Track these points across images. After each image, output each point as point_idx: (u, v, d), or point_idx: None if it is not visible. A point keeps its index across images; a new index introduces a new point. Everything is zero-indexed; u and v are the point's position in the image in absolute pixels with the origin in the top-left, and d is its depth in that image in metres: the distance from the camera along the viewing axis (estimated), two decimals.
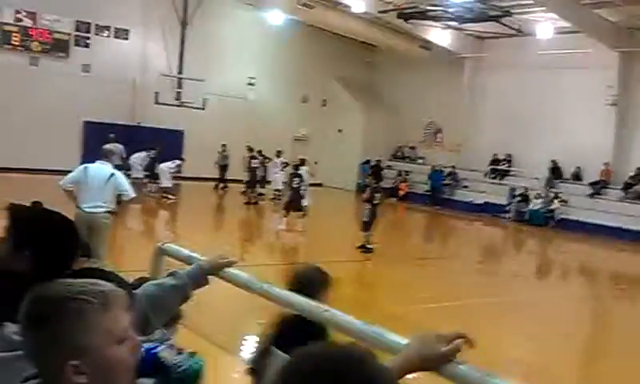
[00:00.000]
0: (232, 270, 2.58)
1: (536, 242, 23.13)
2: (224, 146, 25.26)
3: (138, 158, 21.84)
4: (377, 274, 12.71)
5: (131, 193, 9.01)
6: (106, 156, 9.26)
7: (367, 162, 30.52)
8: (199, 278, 2.50)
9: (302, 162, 19.09)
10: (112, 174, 8.85)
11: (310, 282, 3.11)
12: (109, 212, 8.81)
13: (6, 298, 1.70)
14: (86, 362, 1.36)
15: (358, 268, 13.62)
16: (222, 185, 25.24)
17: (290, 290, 2.62)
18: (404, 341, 1.74)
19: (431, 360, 1.60)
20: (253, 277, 2.53)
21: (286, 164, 23.15)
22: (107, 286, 1.46)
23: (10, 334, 1.71)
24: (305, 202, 18.72)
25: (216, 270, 2.54)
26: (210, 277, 2.55)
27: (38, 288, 1.44)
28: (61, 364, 1.35)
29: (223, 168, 25.26)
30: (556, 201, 24.49)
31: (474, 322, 9.81)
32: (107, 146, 9.45)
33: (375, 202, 14.72)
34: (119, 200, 8.98)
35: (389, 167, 30.74)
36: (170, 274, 2.49)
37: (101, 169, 8.91)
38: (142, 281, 2.69)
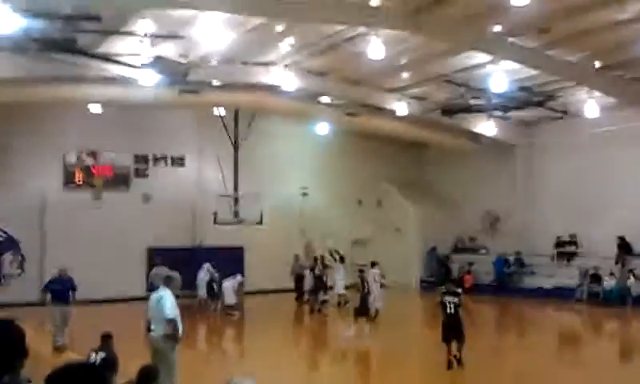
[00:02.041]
0: None
1: (616, 323, 22.04)
2: (297, 256, 25.63)
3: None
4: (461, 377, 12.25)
5: (167, 314, 8.95)
6: (165, 283, 9.52)
7: (434, 248, 30.53)
8: None
9: (373, 264, 19.16)
10: (160, 297, 9.17)
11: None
12: (164, 335, 8.97)
13: None
14: None
15: (439, 369, 13.13)
16: (298, 295, 25.16)
17: None
18: None
19: None
20: None
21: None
22: None
23: None
24: (378, 304, 18.67)
25: None
26: None
27: None
28: None
29: (299, 278, 25.20)
30: (632, 277, 23.52)
31: None
32: (161, 273, 9.87)
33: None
34: None
35: (447, 257, 30.33)
36: None
37: (156, 294, 9.40)
38: None
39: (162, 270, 17.63)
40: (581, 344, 18.29)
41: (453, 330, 12.24)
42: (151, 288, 16.83)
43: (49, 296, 15.03)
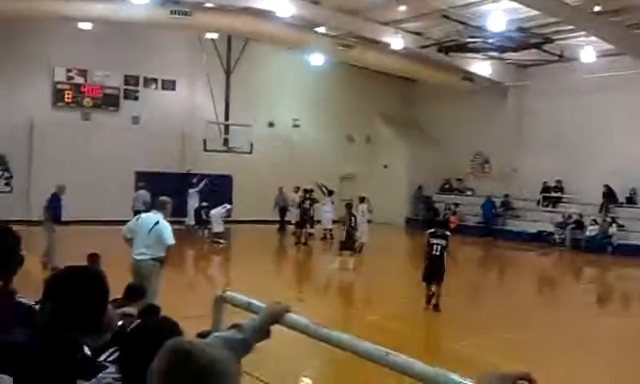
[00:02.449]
0: (291, 316, 2.63)
1: (595, 269, 22.47)
2: (281, 188, 25.65)
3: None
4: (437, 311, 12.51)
5: (168, 240, 9.02)
6: (155, 207, 9.53)
7: (420, 188, 30.97)
8: (262, 331, 2.54)
9: (362, 200, 19.29)
10: (157, 222, 9.06)
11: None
12: (154, 259, 8.99)
13: None
14: None
15: (417, 306, 13.43)
16: (280, 226, 25.68)
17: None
18: (468, 382, 1.75)
19: (275, 315, 1.89)
20: (312, 321, 2.57)
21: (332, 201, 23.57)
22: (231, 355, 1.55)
23: None
24: (364, 239, 18.89)
25: (276, 319, 2.58)
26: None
27: (178, 344, 1.52)
28: None
29: (283, 210, 25.65)
30: (613, 226, 23.84)
31: (543, 356, 9.60)
32: (160, 198, 9.69)
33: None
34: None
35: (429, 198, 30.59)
36: (234, 327, 2.53)
37: (149, 217, 9.25)
38: (203, 334, 2.75)
39: (144, 195, 17.72)
40: (560, 287, 18.65)
41: (435, 272, 12.18)
42: (136, 211, 16.91)
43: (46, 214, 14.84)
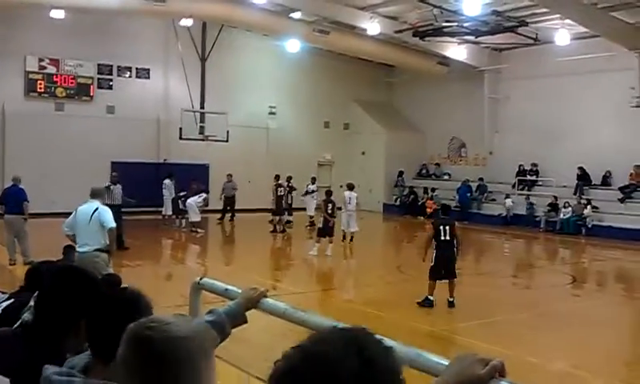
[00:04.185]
0: (268, 301, 2.62)
1: (570, 251, 22.75)
2: (230, 175, 24.99)
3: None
4: (415, 293, 12.60)
5: (110, 223, 8.78)
6: (92, 195, 9.17)
7: (401, 173, 31.14)
8: (237, 315, 2.53)
9: (351, 187, 19.16)
10: (96, 209, 8.79)
11: None
12: (99, 250, 8.74)
13: None
14: None
15: (398, 289, 13.52)
16: (229, 216, 24.84)
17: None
18: (444, 361, 1.75)
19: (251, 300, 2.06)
20: (289, 306, 2.56)
21: (313, 190, 23.51)
22: (207, 329, 1.51)
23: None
24: (353, 228, 18.79)
25: (252, 304, 2.58)
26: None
27: (139, 330, 1.47)
28: None
29: (230, 199, 24.81)
30: (588, 207, 24.15)
31: (517, 337, 9.72)
32: (94, 187, 9.46)
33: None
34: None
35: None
36: (209, 312, 2.53)
37: (87, 207, 8.91)
38: None
39: (117, 188, 17.44)
40: (534, 269, 18.85)
41: (447, 264, 11.18)
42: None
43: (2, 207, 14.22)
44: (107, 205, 9.23)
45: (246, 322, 2.58)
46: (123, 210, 16.86)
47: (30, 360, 2.11)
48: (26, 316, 2.43)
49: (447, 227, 11.41)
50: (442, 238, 11.31)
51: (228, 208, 24.86)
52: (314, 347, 1.19)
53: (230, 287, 2.85)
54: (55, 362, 1.87)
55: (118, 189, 17.20)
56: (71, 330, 2.22)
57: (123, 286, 2.53)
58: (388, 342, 1.36)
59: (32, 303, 2.48)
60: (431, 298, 11.24)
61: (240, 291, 2.69)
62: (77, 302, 2.20)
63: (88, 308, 2.00)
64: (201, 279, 3.05)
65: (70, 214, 9.21)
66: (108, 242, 8.86)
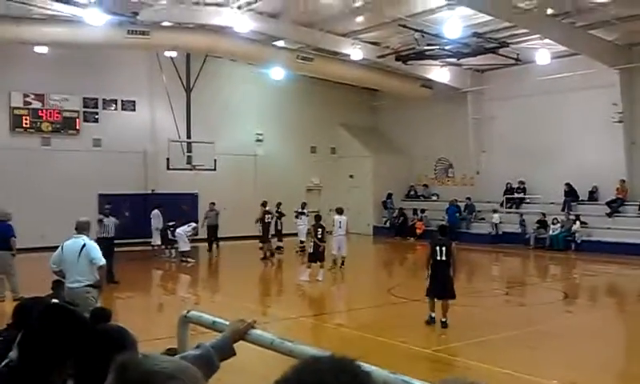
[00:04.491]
0: (256, 332, 2.63)
1: (561, 267, 22.82)
2: (212, 204, 24.73)
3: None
4: (407, 315, 12.56)
5: (100, 261, 8.76)
6: (77, 229, 9.08)
7: (390, 195, 31.11)
8: (225, 348, 2.52)
9: (340, 211, 19.14)
10: (83, 245, 8.73)
11: None
12: (90, 285, 8.67)
13: None
14: None
15: (391, 313, 13.48)
16: (215, 245, 24.49)
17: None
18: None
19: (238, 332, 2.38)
20: (276, 336, 2.56)
21: (303, 213, 23.46)
22: (194, 369, 1.48)
23: None
24: (343, 252, 18.78)
25: (239, 336, 2.57)
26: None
27: (128, 360, 1.44)
28: None
29: (214, 228, 24.41)
30: (577, 223, 24.28)
31: (511, 355, 9.72)
32: (80, 219, 9.33)
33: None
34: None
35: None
36: (197, 347, 2.52)
37: (74, 242, 8.84)
38: (169, 352, 2.73)
39: (111, 221, 17.27)
40: (526, 287, 18.88)
41: (443, 285, 11.33)
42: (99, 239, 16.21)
43: None
44: (100, 238, 9.15)
45: (234, 354, 2.58)
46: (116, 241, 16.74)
47: None
48: (12, 354, 2.43)
49: (443, 248, 11.58)
50: (438, 258, 11.55)
51: (212, 238, 24.61)
52: (308, 378, 1.19)
53: (217, 319, 2.85)
54: None
55: (110, 221, 16.99)
56: (55, 369, 2.22)
57: (110, 323, 2.54)
58: (373, 368, 1.39)
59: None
60: (433, 314, 11.58)
61: (227, 323, 2.70)
62: (62, 341, 2.20)
63: (74, 347, 2.00)
64: (188, 312, 3.05)
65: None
66: (98, 278, 8.83)
